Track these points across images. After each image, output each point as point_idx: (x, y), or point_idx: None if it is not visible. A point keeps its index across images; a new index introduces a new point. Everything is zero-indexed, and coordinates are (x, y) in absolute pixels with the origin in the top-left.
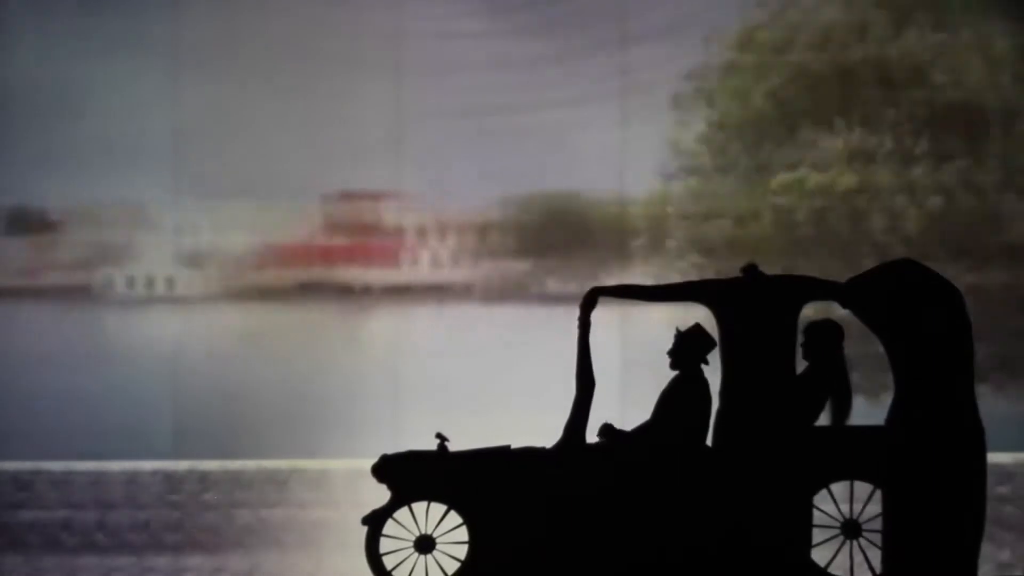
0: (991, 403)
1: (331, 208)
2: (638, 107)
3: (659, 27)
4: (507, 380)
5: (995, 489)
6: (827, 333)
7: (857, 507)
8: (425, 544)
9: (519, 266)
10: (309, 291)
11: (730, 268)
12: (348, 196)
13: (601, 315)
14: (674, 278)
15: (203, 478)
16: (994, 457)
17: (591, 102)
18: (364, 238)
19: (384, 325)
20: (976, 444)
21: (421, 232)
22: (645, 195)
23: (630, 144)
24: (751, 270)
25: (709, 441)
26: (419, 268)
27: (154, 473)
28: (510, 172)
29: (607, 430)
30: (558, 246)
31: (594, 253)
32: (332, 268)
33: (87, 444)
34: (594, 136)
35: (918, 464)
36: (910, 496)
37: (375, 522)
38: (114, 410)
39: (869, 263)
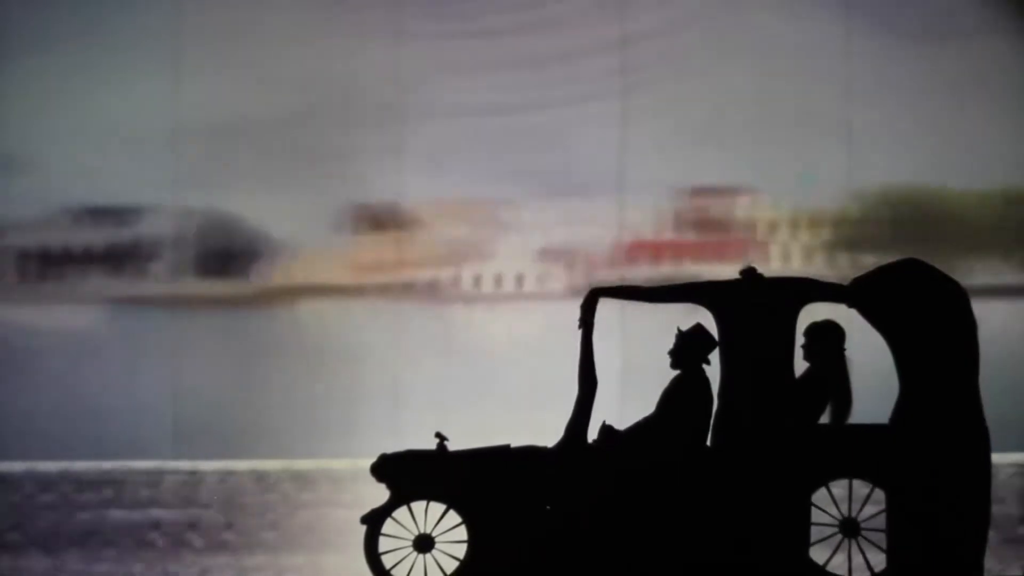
0: None
1: (682, 203)
2: None
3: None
4: None
5: None
6: (828, 334)
7: (856, 506)
8: (424, 543)
9: (873, 260)
10: None
11: None
12: (699, 191)
13: (602, 315)
14: None
15: None
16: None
17: None
18: (714, 233)
19: None
20: (980, 444)
21: (773, 227)
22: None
23: None
24: (750, 272)
25: (708, 441)
26: (769, 263)
27: None
28: (862, 165)
29: (606, 432)
30: (913, 239)
31: (949, 246)
32: (682, 263)
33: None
34: None
35: (922, 464)
36: (914, 496)
37: (374, 521)
38: (459, 405)
39: None
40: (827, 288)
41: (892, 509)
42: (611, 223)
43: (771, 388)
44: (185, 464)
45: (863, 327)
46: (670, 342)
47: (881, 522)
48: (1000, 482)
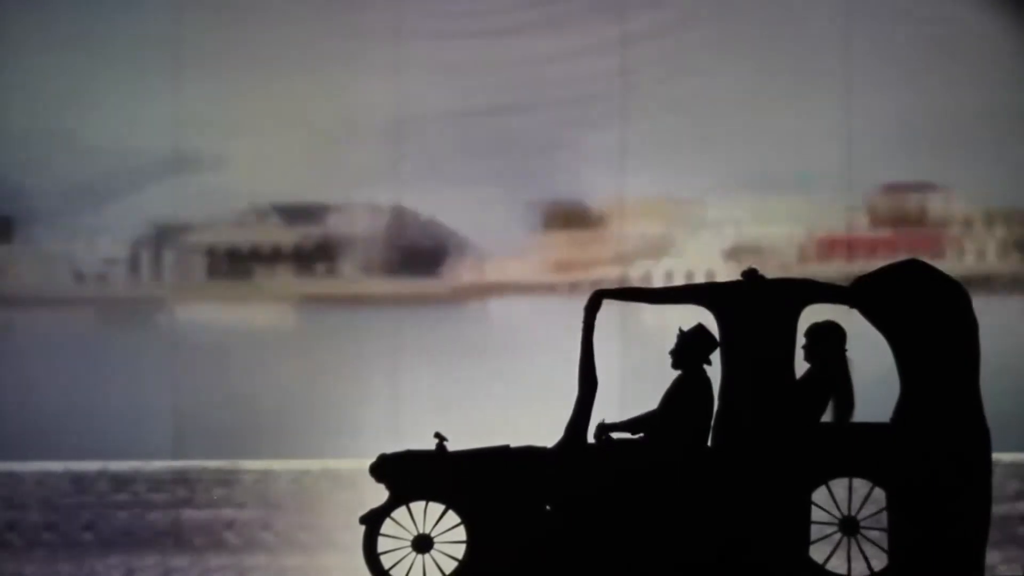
0: None
1: (872, 200)
2: None
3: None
4: None
5: None
6: (829, 335)
7: (856, 505)
8: (423, 543)
9: None
10: None
11: None
12: (889, 188)
13: (603, 316)
14: None
15: None
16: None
17: None
18: (906, 229)
19: None
20: (981, 444)
21: (968, 223)
22: None
23: None
24: (751, 274)
25: (709, 441)
26: (964, 260)
27: None
28: None
29: (603, 429)
30: None
31: None
32: (874, 260)
33: None
34: None
35: (922, 463)
36: (914, 495)
37: (373, 521)
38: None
39: None
40: (828, 289)
41: (892, 508)
42: (804, 219)
43: (772, 389)
44: None
45: (864, 328)
46: (671, 342)
47: (881, 521)
48: (1000, 482)
